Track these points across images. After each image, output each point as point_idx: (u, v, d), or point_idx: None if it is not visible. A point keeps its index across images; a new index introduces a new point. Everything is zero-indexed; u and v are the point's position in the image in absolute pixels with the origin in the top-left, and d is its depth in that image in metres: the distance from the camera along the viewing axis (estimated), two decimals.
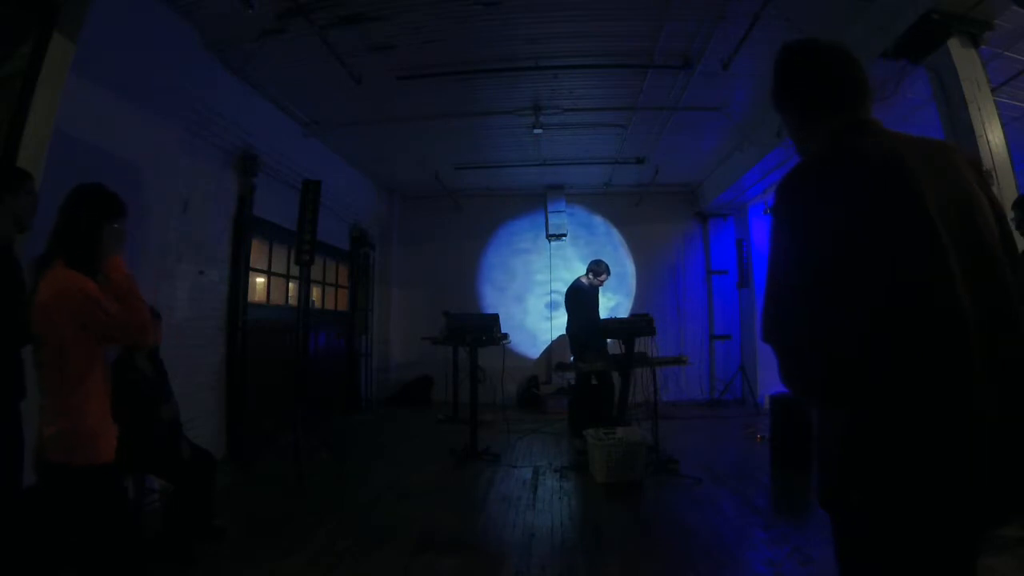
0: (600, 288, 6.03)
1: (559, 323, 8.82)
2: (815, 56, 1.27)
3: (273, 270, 6.11)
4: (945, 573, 1.04)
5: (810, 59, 1.27)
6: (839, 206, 1.05)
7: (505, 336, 5.37)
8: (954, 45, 3.37)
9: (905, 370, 0.99)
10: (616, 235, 9.20)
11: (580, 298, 5.86)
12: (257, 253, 5.70)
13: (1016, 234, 1.14)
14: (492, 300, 9.05)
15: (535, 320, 9.06)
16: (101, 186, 1.82)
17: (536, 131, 6.30)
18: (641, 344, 5.20)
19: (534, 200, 9.15)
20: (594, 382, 5.63)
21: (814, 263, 1.04)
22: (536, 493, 4.12)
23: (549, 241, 9.15)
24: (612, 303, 8.76)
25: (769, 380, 7.53)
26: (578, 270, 8.74)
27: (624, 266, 9.11)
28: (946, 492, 0.97)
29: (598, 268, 5.91)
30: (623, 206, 9.06)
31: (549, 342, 8.93)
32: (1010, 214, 3.03)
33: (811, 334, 1.05)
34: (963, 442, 0.97)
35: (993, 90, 3.48)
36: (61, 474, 1.59)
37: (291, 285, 6.39)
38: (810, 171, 1.14)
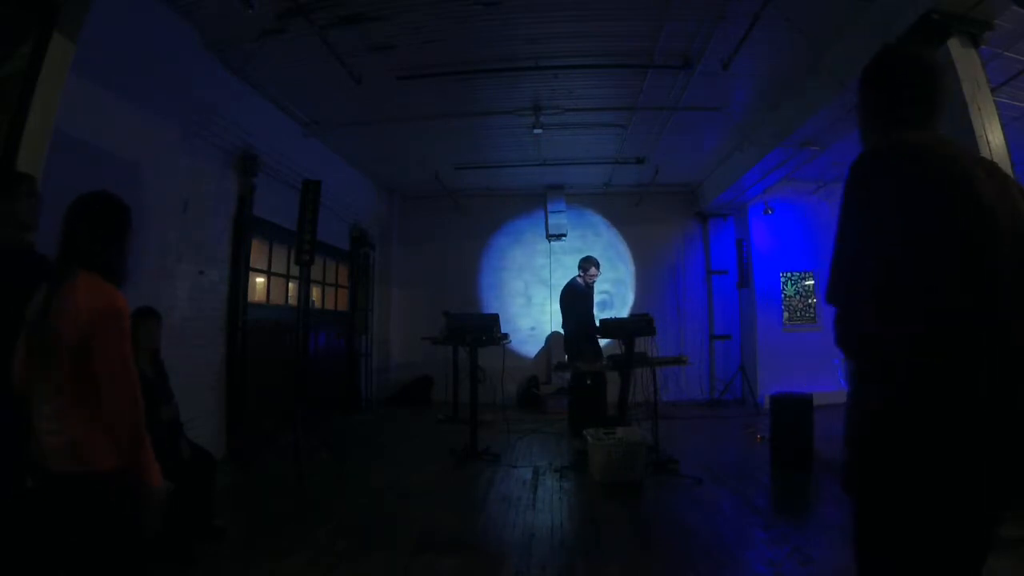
0: (594, 285, 6.02)
1: (559, 323, 8.83)
2: (916, 70, 1.35)
3: (273, 270, 6.11)
4: (963, 552, 1.11)
5: (910, 71, 1.35)
6: (911, 194, 1.13)
7: (505, 336, 5.37)
8: (954, 45, 3.36)
9: (953, 356, 1.06)
10: (616, 235, 9.20)
11: (574, 298, 5.86)
12: (257, 253, 5.70)
13: None
14: (492, 300, 9.05)
15: (535, 320, 9.06)
16: (111, 194, 1.75)
17: (536, 131, 6.30)
18: (641, 344, 5.20)
19: (534, 200, 9.15)
20: (588, 382, 5.63)
21: (881, 240, 1.13)
22: (536, 493, 4.12)
23: (549, 241, 9.16)
24: (619, 289, 8.78)
25: (769, 380, 7.53)
26: (577, 270, 8.77)
27: (624, 266, 9.12)
28: (971, 472, 1.04)
29: (586, 264, 5.88)
30: (623, 206, 9.06)
31: (549, 342, 8.93)
32: None
33: (872, 302, 1.13)
34: (991, 432, 1.03)
35: (993, 90, 3.47)
36: (75, 482, 1.53)
37: (291, 285, 6.39)
38: (886, 158, 1.21)
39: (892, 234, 1.12)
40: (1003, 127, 3.35)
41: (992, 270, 1.08)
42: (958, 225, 1.10)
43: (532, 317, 9.05)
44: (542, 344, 8.97)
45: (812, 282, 8.24)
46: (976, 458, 1.03)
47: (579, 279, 5.93)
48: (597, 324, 5.55)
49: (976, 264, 1.08)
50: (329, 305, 7.68)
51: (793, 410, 4.64)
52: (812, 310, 8.18)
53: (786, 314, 8.17)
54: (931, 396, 1.05)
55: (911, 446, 1.06)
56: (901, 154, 1.21)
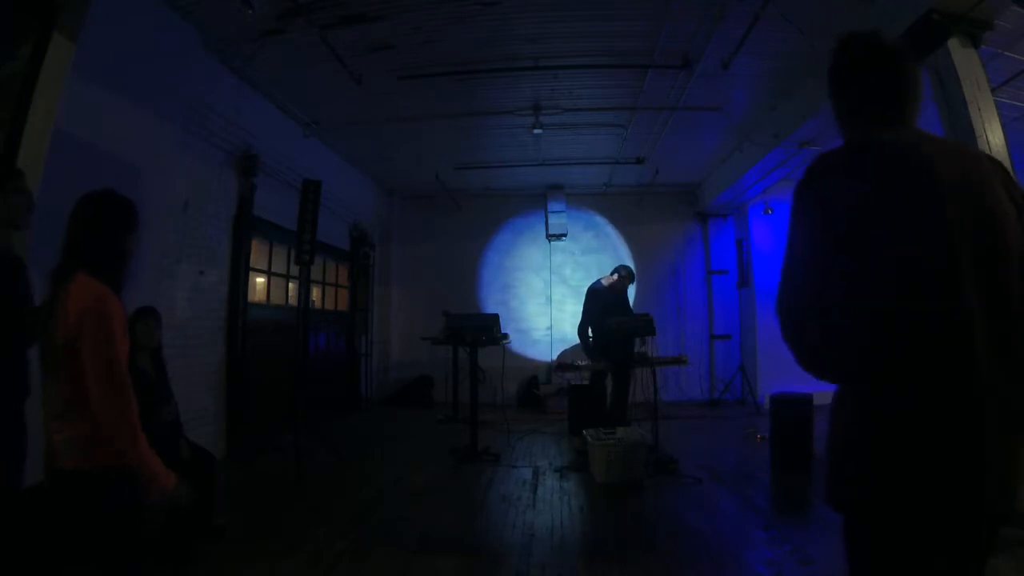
0: (624, 289, 5.97)
1: (559, 323, 8.85)
2: (880, 61, 1.26)
3: (273, 270, 6.11)
4: (955, 568, 1.06)
5: (874, 63, 1.26)
6: (859, 194, 1.08)
7: (505, 336, 5.37)
8: (954, 45, 3.37)
9: (904, 359, 1.02)
10: (616, 235, 9.21)
11: (590, 298, 5.85)
12: (257, 253, 5.70)
13: None
14: (492, 300, 9.05)
15: (535, 320, 9.06)
16: (116, 192, 1.72)
17: (536, 131, 6.30)
18: (641, 344, 5.19)
19: (534, 200, 9.15)
20: (606, 382, 5.61)
21: (827, 243, 1.09)
22: (536, 493, 4.12)
23: (549, 241, 9.15)
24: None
25: (769, 380, 7.52)
26: (578, 270, 8.79)
27: None
28: (953, 484, 0.99)
29: (618, 269, 5.86)
30: (623, 206, 9.06)
31: (549, 342, 8.93)
32: None
33: (821, 310, 1.12)
34: (967, 436, 0.98)
35: (993, 90, 3.48)
36: (79, 479, 1.54)
37: (291, 285, 6.38)
38: (838, 158, 1.17)
39: (844, 233, 1.07)
40: (1003, 127, 3.35)
41: (954, 276, 1.03)
42: (919, 226, 1.05)
43: (549, 316, 9.04)
44: (551, 344, 8.97)
45: None
46: (984, 467, 0.98)
47: (603, 280, 5.92)
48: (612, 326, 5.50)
49: (936, 268, 1.03)
50: (329, 305, 7.67)
51: (793, 410, 4.63)
52: None
53: None
54: (898, 398, 1.02)
55: (889, 457, 1.01)
56: (864, 154, 1.14)
